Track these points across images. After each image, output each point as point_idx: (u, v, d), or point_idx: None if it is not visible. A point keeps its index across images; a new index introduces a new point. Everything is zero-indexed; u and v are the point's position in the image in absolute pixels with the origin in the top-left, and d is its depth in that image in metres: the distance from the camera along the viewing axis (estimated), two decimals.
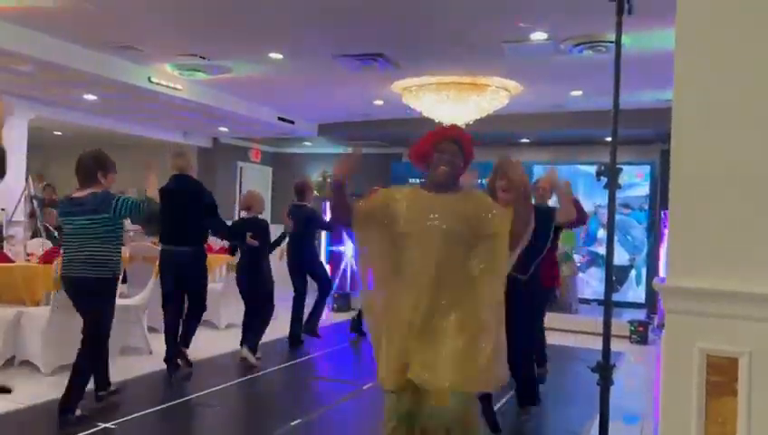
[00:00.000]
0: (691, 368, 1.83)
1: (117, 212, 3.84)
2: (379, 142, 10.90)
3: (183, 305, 5.11)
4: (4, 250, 5.58)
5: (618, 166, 2.15)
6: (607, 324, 2.24)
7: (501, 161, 3.57)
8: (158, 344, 5.36)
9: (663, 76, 6.02)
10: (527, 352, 3.80)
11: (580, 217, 4.59)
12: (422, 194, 2.59)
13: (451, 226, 2.45)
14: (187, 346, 5.22)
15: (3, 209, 7.39)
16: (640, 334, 7.33)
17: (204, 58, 6.47)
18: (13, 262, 5.30)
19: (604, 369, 2.12)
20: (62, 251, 4.07)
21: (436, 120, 7.64)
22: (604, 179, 2.11)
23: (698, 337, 1.83)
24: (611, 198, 2.09)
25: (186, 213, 4.94)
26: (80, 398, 3.86)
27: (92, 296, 3.86)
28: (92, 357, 3.92)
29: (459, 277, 2.46)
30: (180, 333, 5.13)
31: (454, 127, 2.57)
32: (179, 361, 5.10)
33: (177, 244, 4.99)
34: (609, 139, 2.23)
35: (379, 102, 8.35)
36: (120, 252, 3.99)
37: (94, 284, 3.83)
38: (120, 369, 4.78)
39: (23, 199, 7.83)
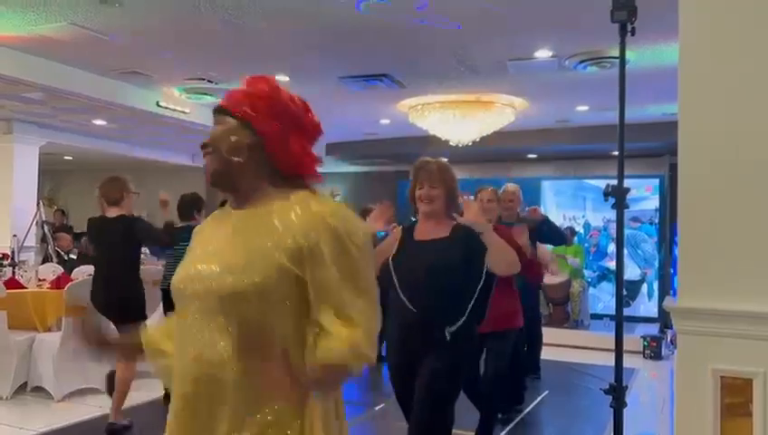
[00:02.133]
0: (705, 389, 1.81)
1: None
2: (386, 160, 10.95)
3: None
4: (16, 276, 5.61)
5: (626, 183, 2.15)
6: (619, 344, 2.22)
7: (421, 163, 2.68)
8: None
9: (669, 90, 6.02)
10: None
11: (534, 270, 3.83)
12: (218, 217, 1.43)
13: (229, 276, 1.22)
14: None
15: (15, 235, 7.45)
16: (653, 350, 7.24)
17: (211, 82, 6.54)
18: (25, 288, 5.33)
19: (617, 391, 2.10)
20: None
21: (443, 138, 7.67)
22: (612, 199, 2.10)
23: (711, 358, 1.81)
24: (620, 219, 2.08)
25: None
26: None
27: None
28: None
29: (257, 380, 1.22)
30: None
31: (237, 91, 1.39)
32: None
33: None
34: (616, 153, 2.23)
35: (385, 121, 8.39)
36: None
37: None
38: (131, 396, 4.78)
39: (34, 225, 7.90)
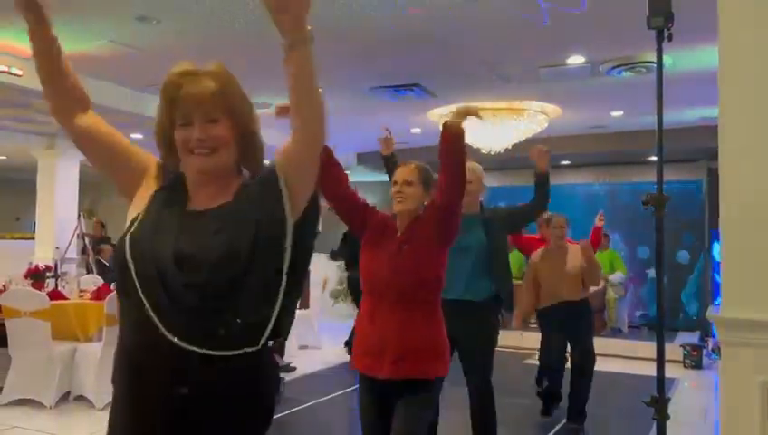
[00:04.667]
0: (752, 402, 1.76)
1: None
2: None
3: None
4: (59, 287, 5.76)
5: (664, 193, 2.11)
6: (660, 355, 2.17)
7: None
8: None
9: (706, 94, 5.91)
10: None
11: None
12: None
13: None
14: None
15: (57, 247, 7.66)
16: (694, 359, 7.07)
17: None
18: (67, 299, 5.47)
19: (660, 403, 2.05)
20: None
21: (475, 146, 7.64)
22: (651, 208, 2.07)
23: (759, 370, 1.76)
24: (659, 228, 2.05)
25: None
26: None
27: None
28: None
29: None
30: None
31: None
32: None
33: None
34: (652, 158, 2.20)
35: (416, 130, 8.41)
36: None
37: None
38: None
39: (75, 237, 8.11)
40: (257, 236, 1.30)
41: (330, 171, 2.36)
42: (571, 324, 4.55)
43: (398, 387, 2.32)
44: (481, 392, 3.37)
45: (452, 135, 2.48)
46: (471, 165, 3.52)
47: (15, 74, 5.53)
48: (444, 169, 2.49)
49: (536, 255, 4.69)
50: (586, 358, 4.59)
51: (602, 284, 8.11)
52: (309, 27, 1.33)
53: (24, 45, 5.15)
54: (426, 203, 2.57)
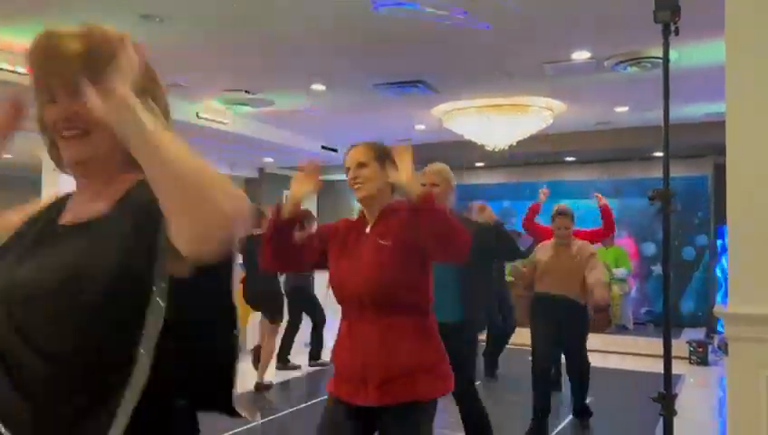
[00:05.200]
0: (759, 397, 1.76)
1: None
2: (421, 166, 10.97)
3: None
4: None
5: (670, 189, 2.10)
6: (667, 350, 2.16)
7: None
8: None
9: (712, 89, 5.88)
10: None
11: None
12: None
13: None
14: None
15: None
16: (700, 355, 7.06)
17: (249, 92, 6.65)
18: None
19: (667, 399, 2.04)
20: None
21: (479, 143, 7.63)
22: (657, 204, 2.05)
23: (765, 365, 1.76)
24: (666, 224, 2.04)
25: None
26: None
27: None
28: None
29: None
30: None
31: None
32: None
33: None
34: (657, 153, 2.19)
35: (420, 127, 8.40)
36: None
37: None
38: None
39: None
40: (118, 267, 0.90)
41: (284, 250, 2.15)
42: (564, 326, 4.34)
43: (385, 410, 1.97)
44: (462, 393, 3.12)
45: (419, 205, 1.91)
46: (438, 166, 3.38)
47: (21, 73, 5.54)
48: (427, 241, 1.97)
49: (542, 251, 4.58)
50: (577, 366, 4.47)
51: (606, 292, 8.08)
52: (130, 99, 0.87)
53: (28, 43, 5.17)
54: (389, 181, 2.08)
